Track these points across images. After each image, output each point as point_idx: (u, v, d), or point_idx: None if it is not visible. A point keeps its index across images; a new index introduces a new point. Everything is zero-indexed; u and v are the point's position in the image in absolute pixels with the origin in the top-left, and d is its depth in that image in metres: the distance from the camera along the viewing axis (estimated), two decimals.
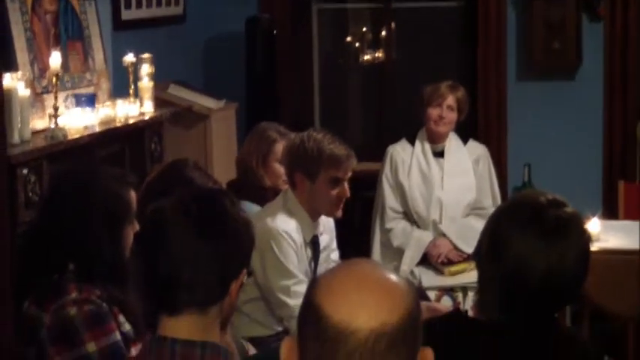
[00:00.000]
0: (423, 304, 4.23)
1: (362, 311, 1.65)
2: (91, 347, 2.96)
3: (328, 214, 4.25)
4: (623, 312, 4.76)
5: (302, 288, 3.98)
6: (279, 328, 4.15)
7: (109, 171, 3.29)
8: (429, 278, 5.14)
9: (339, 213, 4.21)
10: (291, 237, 4.06)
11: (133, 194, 3.21)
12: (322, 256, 4.28)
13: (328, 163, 4.09)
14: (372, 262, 1.81)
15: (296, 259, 4.07)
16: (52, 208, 3.21)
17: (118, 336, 3.02)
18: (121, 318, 3.09)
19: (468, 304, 4.76)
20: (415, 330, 1.70)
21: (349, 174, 4.16)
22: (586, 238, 2.56)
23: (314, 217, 4.18)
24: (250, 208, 4.42)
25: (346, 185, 4.15)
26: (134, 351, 2.97)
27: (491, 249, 2.52)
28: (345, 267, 1.79)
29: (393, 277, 1.74)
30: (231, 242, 2.30)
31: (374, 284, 1.70)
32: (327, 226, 4.34)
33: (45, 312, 3.03)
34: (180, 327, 2.27)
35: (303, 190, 4.13)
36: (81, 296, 3.02)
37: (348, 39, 7.20)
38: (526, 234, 2.46)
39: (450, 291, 4.97)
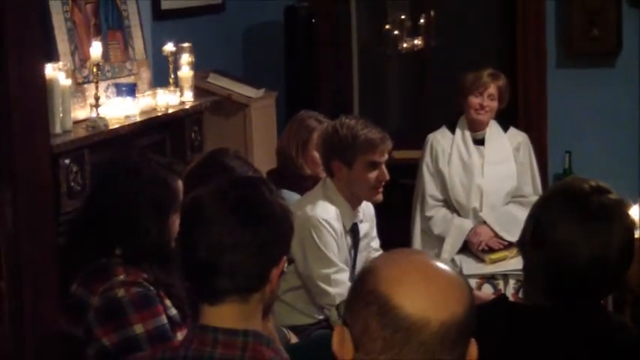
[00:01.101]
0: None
1: (436, 303, 1.71)
2: (139, 329, 3.00)
3: (368, 199, 4.25)
4: None
5: (342, 276, 3.99)
6: (320, 317, 4.16)
7: (158, 159, 3.33)
8: (469, 266, 5.13)
9: (380, 197, 4.21)
10: (331, 225, 4.06)
11: (179, 183, 3.26)
12: (362, 243, 4.28)
13: (364, 148, 4.09)
14: (426, 252, 1.83)
15: (336, 248, 4.07)
16: (102, 194, 3.28)
17: (165, 319, 3.05)
18: (168, 302, 3.12)
19: (509, 291, 4.75)
20: (474, 320, 1.75)
21: (386, 157, 4.16)
22: (630, 225, 2.54)
23: (354, 204, 4.18)
24: (290, 197, 4.43)
25: (384, 168, 4.14)
26: (180, 335, 3.01)
27: (536, 236, 2.52)
28: (405, 257, 1.83)
29: (450, 269, 1.79)
30: (269, 229, 2.31)
31: (441, 276, 1.76)
32: (367, 214, 4.34)
33: (92, 294, 3.07)
34: (222, 315, 2.28)
35: (342, 177, 4.13)
36: (128, 278, 3.07)
37: (387, 26, 7.17)
38: (570, 220, 2.45)
39: (490, 279, 4.96)
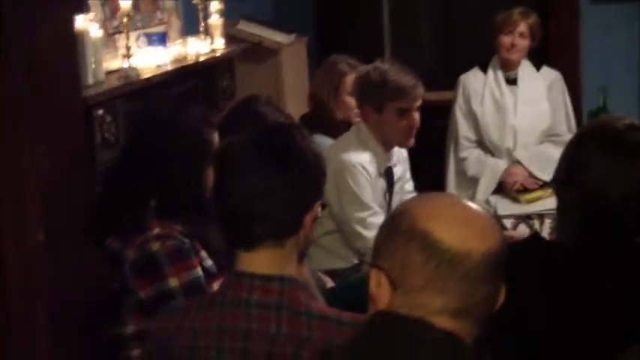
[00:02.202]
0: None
1: (475, 235, 1.75)
2: (174, 282, 3.02)
3: (400, 145, 4.25)
4: None
5: (378, 219, 4.00)
6: (356, 261, 4.18)
7: (194, 111, 3.33)
8: (504, 206, 5.13)
9: (411, 142, 4.20)
10: (365, 169, 4.07)
11: (215, 135, 3.25)
12: (396, 186, 4.29)
13: (393, 94, 4.07)
14: (453, 194, 1.87)
15: (371, 191, 4.08)
16: (138, 145, 3.27)
17: (199, 271, 3.07)
18: (203, 253, 3.14)
19: (546, 231, 4.74)
20: (505, 256, 1.79)
21: (418, 104, 4.13)
22: None
23: (387, 148, 4.19)
24: (323, 142, 4.44)
25: (416, 115, 4.13)
26: (215, 286, 3.00)
27: (570, 174, 2.52)
28: (436, 197, 1.88)
29: (479, 207, 1.85)
30: (302, 174, 2.31)
31: (474, 211, 1.81)
32: (400, 157, 4.34)
33: (128, 247, 3.08)
34: (258, 261, 2.29)
35: (373, 122, 4.13)
36: (163, 231, 3.08)
37: None
38: (604, 158, 2.46)
39: (526, 219, 4.95)
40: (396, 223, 1.79)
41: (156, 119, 3.31)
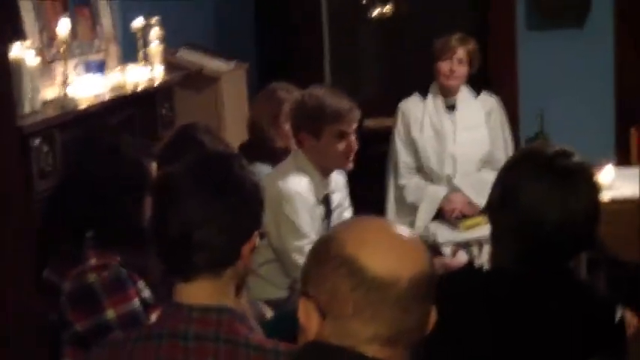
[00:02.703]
0: (436, 260, 4.27)
1: (402, 261, 1.76)
2: (111, 314, 3.01)
3: (339, 168, 4.24)
4: (638, 259, 4.76)
5: None
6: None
7: (132, 141, 3.32)
8: (444, 233, 5.16)
9: (350, 165, 4.20)
10: (303, 197, 4.07)
11: (154, 164, 3.24)
12: (335, 214, 4.29)
13: (331, 118, 4.07)
14: (383, 218, 1.88)
15: (309, 219, 4.07)
16: (75, 175, 3.28)
17: (137, 302, 3.05)
18: (141, 284, 3.12)
19: (484, 257, 4.77)
20: (435, 280, 1.80)
21: (354, 126, 4.14)
22: (595, 186, 2.58)
23: (325, 174, 4.18)
24: (263, 169, 4.43)
25: (353, 138, 4.13)
26: (154, 317, 2.99)
27: (503, 199, 2.55)
28: (363, 221, 1.87)
29: (406, 229, 1.85)
30: (240, 203, 2.32)
31: (404, 237, 1.81)
32: (338, 184, 4.35)
33: (65, 278, 3.07)
34: (196, 292, 2.29)
35: (311, 149, 4.13)
36: (100, 262, 3.07)
37: None
38: (536, 183, 2.49)
39: (465, 245, 4.97)
40: (324, 250, 1.79)
41: (94, 149, 3.30)
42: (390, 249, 1.77)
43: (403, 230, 1.83)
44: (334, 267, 1.75)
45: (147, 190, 3.13)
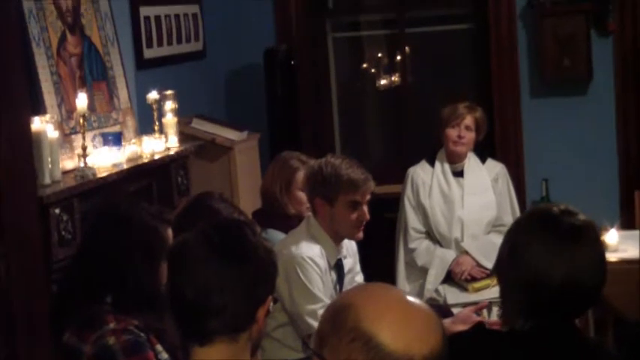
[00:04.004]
0: (449, 319, 4.26)
1: (417, 338, 1.76)
2: None
3: (349, 237, 4.26)
4: None
5: None
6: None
7: (147, 208, 3.35)
8: (453, 295, 5.16)
9: (360, 235, 4.22)
10: (315, 262, 4.07)
11: (169, 230, 3.27)
12: (347, 278, 4.29)
13: (346, 188, 4.10)
14: (397, 287, 1.88)
15: (321, 284, 4.08)
16: (92, 242, 3.30)
17: None
18: (159, 347, 3.14)
19: (493, 319, 4.76)
20: (447, 355, 1.80)
21: (368, 197, 4.17)
22: (600, 244, 2.59)
23: (337, 241, 4.20)
24: (276, 236, 4.45)
25: (365, 208, 4.16)
26: None
27: (510, 259, 2.55)
28: (381, 292, 1.87)
29: (422, 303, 1.85)
30: (253, 269, 2.34)
31: (419, 311, 1.81)
32: (350, 250, 4.36)
33: (84, 342, 3.09)
34: (212, 356, 2.30)
35: (325, 215, 4.15)
36: (119, 326, 3.08)
37: (364, 65, 7.22)
38: (542, 242, 2.50)
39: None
40: (341, 319, 1.79)
41: (110, 216, 3.32)
42: (405, 326, 1.77)
43: (418, 305, 1.83)
44: (350, 339, 1.76)
45: (163, 255, 3.15)
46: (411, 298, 1.85)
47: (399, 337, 1.75)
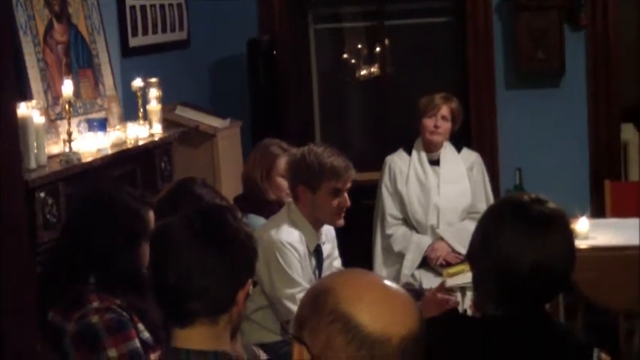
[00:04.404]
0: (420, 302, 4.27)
1: (395, 320, 1.76)
2: (112, 353, 3.03)
3: (331, 223, 4.27)
4: (614, 305, 4.76)
5: None
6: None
7: (130, 191, 3.35)
8: (429, 280, 5.16)
9: (341, 221, 4.23)
10: (295, 247, 4.07)
11: (150, 213, 3.29)
12: (325, 263, 4.30)
13: (329, 175, 4.10)
14: (374, 273, 1.89)
15: (300, 269, 4.08)
16: (76, 225, 3.30)
17: (137, 343, 3.07)
18: (141, 326, 3.15)
19: (467, 303, 4.77)
20: (424, 338, 1.80)
21: (349, 184, 4.17)
22: (569, 231, 2.60)
23: (317, 227, 4.20)
24: (257, 221, 4.44)
25: (346, 195, 4.17)
26: (153, 357, 3.04)
27: (482, 246, 2.56)
28: (360, 276, 1.87)
29: (400, 287, 1.85)
30: (234, 253, 2.33)
31: (396, 294, 1.81)
32: (328, 236, 4.36)
33: (68, 320, 3.10)
34: (193, 338, 2.29)
35: (306, 202, 4.14)
36: (102, 305, 3.09)
37: (345, 56, 7.22)
38: (512, 229, 2.51)
39: (449, 291, 4.97)
40: (320, 302, 1.78)
41: (93, 199, 3.33)
42: (383, 307, 1.77)
43: (395, 288, 1.83)
44: (330, 321, 1.76)
45: (144, 237, 3.17)
46: (388, 282, 1.85)
47: (377, 318, 1.75)
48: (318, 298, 1.80)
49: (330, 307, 1.76)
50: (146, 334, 3.13)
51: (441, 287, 4.09)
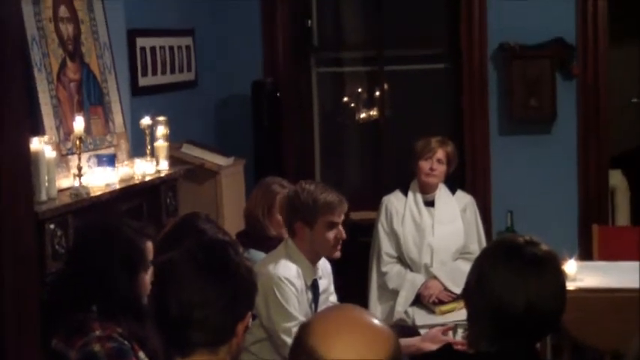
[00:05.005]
0: (414, 340, 4.27)
1: (352, 352, 1.71)
2: None
3: (328, 255, 4.26)
4: (600, 346, 4.75)
5: None
6: None
7: (130, 223, 3.37)
8: (421, 317, 5.16)
9: (338, 253, 4.22)
10: (292, 282, 4.07)
11: (149, 244, 3.29)
12: (322, 298, 4.29)
13: (324, 210, 4.11)
14: (358, 307, 1.87)
15: (297, 303, 4.07)
16: (78, 255, 3.32)
17: None
18: (141, 354, 3.14)
19: (458, 338, 4.76)
20: None
21: (342, 217, 4.18)
22: (561, 272, 2.61)
23: (314, 262, 4.20)
24: (257, 256, 4.44)
25: (341, 228, 4.17)
26: None
27: (477, 285, 2.57)
28: (337, 311, 1.87)
29: (378, 322, 1.80)
30: (235, 286, 2.34)
31: (363, 327, 1.77)
32: (325, 271, 4.36)
33: (71, 348, 3.09)
34: None
35: (304, 237, 4.15)
36: (104, 333, 3.09)
37: (345, 99, 7.24)
38: (506, 270, 2.51)
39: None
40: (300, 337, 1.78)
41: (95, 230, 3.35)
42: (349, 342, 1.73)
43: (370, 321, 1.79)
44: (299, 355, 1.76)
45: (142, 267, 3.21)
46: (365, 315, 1.81)
47: (335, 348, 1.71)
48: (299, 335, 1.80)
49: (302, 342, 1.76)
50: None
51: (447, 329, 4.13)
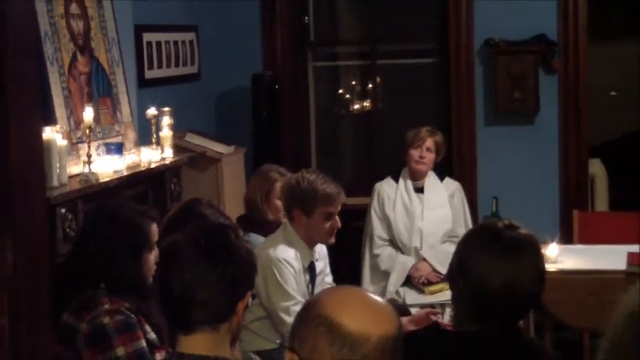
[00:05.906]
0: (407, 317, 4.27)
1: (373, 321, 1.77)
2: (120, 351, 3.04)
3: (323, 242, 4.27)
4: (579, 324, 4.76)
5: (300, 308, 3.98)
6: (281, 342, 4.16)
7: (134, 207, 3.38)
8: (411, 297, 5.17)
9: (333, 240, 4.23)
10: (290, 264, 4.07)
11: (153, 226, 3.31)
12: (318, 279, 4.30)
13: (322, 202, 4.10)
14: (358, 287, 1.91)
15: (295, 283, 4.08)
16: (86, 237, 3.33)
17: (143, 342, 3.09)
18: (147, 327, 3.16)
19: (446, 318, 4.77)
20: (402, 342, 1.80)
21: (339, 208, 4.18)
22: (539, 255, 2.60)
23: (310, 245, 4.20)
24: (256, 239, 4.44)
25: (337, 218, 4.17)
26: (158, 356, 3.05)
27: (459, 269, 2.57)
28: (343, 288, 1.91)
29: (381, 299, 1.88)
30: (235, 268, 2.34)
31: (375, 301, 1.84)
32: (321, 254, 4.36)
33: (81, 321, 3.12)
34: (195, 344, 2.29)
35: (301, 224, 4.14)
36: (112, 307, 3.12)
37: (340, 91, 7.23)
38: (486, 252, 2.52)
39: (430, 307, 4.97)
40: (308, 312, 1.81)
41: (101, 213, 3.35)
42: (362, 310, 1.78)
43: (375, 297, 1.85)
44: (315, 325, 1.77)
45: (146, 248, 3.24)
46: (369, 293, 1.87)
47: (356, 319, 1.76)
48: (308, 309, 1.83)
49: (315, 314, 1.78)
50: (152, 335, 3.15)
51: (434, 313, 4.14)
